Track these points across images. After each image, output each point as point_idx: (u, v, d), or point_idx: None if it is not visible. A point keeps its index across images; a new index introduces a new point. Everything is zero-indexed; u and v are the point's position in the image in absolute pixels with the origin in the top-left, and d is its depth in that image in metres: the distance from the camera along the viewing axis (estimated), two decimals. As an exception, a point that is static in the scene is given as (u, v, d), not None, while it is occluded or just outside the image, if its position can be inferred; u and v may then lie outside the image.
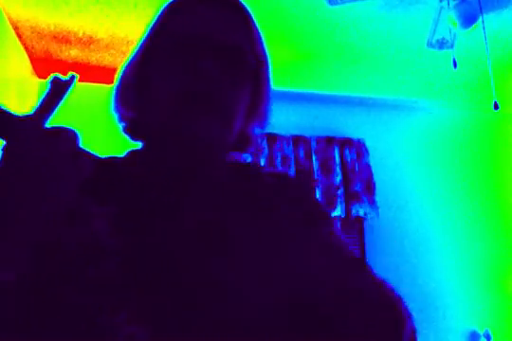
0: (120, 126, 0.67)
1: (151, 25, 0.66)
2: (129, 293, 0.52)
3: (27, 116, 0.53)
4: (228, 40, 0.63)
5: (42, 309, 0.51)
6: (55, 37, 2.63)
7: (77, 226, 0.55)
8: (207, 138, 0.60)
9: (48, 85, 0.54)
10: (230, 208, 0.61)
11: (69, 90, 0.56)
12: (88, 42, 2.68)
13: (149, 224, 0.58)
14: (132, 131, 0.67)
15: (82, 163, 0.52)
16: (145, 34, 0.66)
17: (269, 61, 0.69)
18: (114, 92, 0.67)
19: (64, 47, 2.74)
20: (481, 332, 3.26)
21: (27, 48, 2.75)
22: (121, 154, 0.69)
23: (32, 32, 2.58)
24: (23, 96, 2.78)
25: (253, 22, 0.67)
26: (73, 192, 0.51)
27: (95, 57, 2.83)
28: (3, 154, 0.50)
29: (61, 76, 0.55)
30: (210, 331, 0.52)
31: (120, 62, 0.68)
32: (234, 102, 0.63)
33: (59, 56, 2.83)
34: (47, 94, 0.54)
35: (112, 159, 0.67)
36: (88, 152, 0.55)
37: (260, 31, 0.68)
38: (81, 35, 2.62)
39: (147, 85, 0.64)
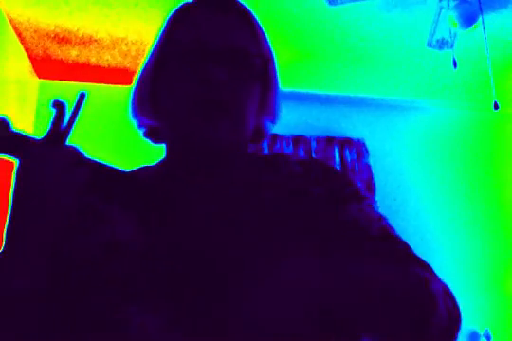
0: (141, 132, 0.73)
1: (158, 35, 0.69)
2: (143, 288, 0.56)
3: (40, 139, 0.60)
4: (234, 45, 0.65)
5: (57, 309, 0.56)
6: (55, 37, 2.63)
7: (99, 230, 0.61)
8: (224, 142, 0.63)
9: (52, 109, 0.60)
10: (251, 206, 0.63)
11: (81, 107, 0.62)
12: (88, 42, 2.68)
13: (168, 227, 0.61)
14: (152, 136, 0.72)
15: (79, 173, 0.59)
16: (154, 44, 0.69)
17: (275, 58, 0.71)
18: (131, 99, 0.70)
19: (64, 47, 2.74)
20: (481, 332, 3.26)
21: (27, 48, 2.75)
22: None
23: (32, 32, 2.58)
24: (23, 95, 2.78)
25: (257, 23, 0.70)
26: (75, 200, 0.58)
27: (95, 57, 2.83)
28: (16, 172, 0.58)
29: (64, 98, 0.60)
30: (221, 323, 0.54)
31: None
32: (246, 104, 0.65)
33: (59, 56, 2.83)
34: (53, 117, 0.60)
35: (143, 168, 0.73)
36: (92, 163, 0.62)
37: (264, 31, 0.70)
38: (81, 35, 2.62)
39: (160, 95, 0.67)
